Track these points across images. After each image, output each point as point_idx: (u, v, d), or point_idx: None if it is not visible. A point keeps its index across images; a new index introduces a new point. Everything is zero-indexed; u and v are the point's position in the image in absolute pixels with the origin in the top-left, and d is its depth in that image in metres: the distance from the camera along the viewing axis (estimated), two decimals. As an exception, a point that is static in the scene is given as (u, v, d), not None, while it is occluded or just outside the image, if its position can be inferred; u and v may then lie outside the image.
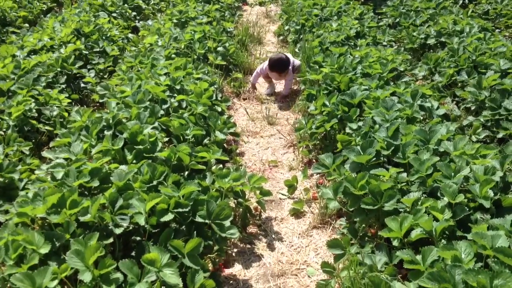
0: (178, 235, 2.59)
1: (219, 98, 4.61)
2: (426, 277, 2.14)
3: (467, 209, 2.57)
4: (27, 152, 3.62)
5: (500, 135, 3.67)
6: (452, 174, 2.81)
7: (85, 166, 2.92)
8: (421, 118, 3.69)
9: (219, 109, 4.36)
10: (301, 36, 6.38)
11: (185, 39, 5.68)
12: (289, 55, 5.51)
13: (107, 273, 2.20)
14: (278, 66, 5.24)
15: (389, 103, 3.71)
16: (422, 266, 2.31)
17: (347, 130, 3.68)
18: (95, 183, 2.78)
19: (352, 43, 5.64)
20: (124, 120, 3.64)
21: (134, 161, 3.15)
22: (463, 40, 5.26)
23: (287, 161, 4.16)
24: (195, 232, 2.64)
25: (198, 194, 2.76)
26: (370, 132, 3.44)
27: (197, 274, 2.37)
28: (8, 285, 2.24)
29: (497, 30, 6.48)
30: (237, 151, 4.26)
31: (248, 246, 3.16)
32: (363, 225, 2.90)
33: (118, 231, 2.47)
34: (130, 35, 6.62)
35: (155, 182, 2.84)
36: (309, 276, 2.90)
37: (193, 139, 3.68)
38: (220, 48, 5.78)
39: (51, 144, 3.50)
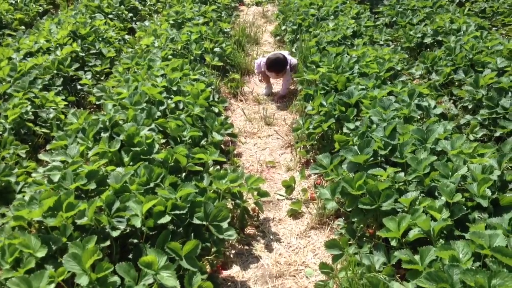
0: (176, 237, 2.58)
1: (216, 99, 4.60)
2: (424, 277, 2.14)
3: (465, 209, 2.57)
4: (24, 155, 3.60)
5: (497, 134, 3.67)
6: (450, 173, 2.80)
7: (82, 169, 2.91)
8: (418, 117, 3.68)
9: (216, 110, 4.36)
10: (298, 36, 6.38)
11: (182, 40, 5.67)
12: (286, 53, 5.51)
13: (104, 276, 2.19)
14: (276, 66, 5.26)
15: (386, 102, 3.71)
16: (420, 266, 2.31)
17: (345, 130, 3.68)
18: (92, 186, 2.77)
19: (349, 43, 5.64)
20: (120, 122, 3.63)
21: (131, 163, 3.14)
22: (460, 38, 5.26)
23: (284, 162, 4.15)
24: (192, 234, 2.63)
25: (195, 195, 2.75)
26: (367, 132, 3.44)
27: (194, 276, 2.36)
28: (5, 289, 2.24)
29: (493, 28, 6.48)
30: (235, 152, 4.25)
31: (246, 247, 3.15)
32: (361, 225, 2.90)
33: (115, 233, 2.46)
34: (126, 37, 6.61)
35: (152, 184, 2.83)
36: (307, 277, 2.89)
37: (190, 140, 3.67)
38: (217, 49, 5.78)
39: (48, 146, 3.49)
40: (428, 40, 5.71)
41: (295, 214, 3.47)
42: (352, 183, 2.92)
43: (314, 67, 4.84)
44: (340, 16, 6.52)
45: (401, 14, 6.76)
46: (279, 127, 4.79)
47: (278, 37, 7.50)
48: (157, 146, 3.29)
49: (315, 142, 4.11)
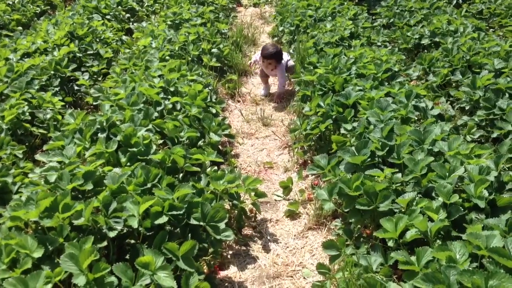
0: (173, 237, 2.58)
1: (214, 100, 4.60)
2: (420, 278, 2.14)
3: (462, 209, 2.57)
4: (21, 156, 3.59)
5: (494, 135, 3.67)
6: (447, 174, 2.81)
7: (79, 169, 2.90)
8: (416, 118, 3.69)
9: (214, 111, 4.35)
10: (295, 37, 6.38)
11: (179, 41, 5.67)
12: (286, 55, 5.52)
13: (101, 276, 2.19)
14: (269, 52, 5.25)
15: (383, 103, 3.71)
16: (417, 267, 2.31)
17: (342, 131, 3.68)
18: (89, 186, 2.76)
19: (347, 44, 5.65)
20: (118, 123, 3.63)
21: (128, 164, 3.13)
22: (457, 40, 5.27)
23: (282, 162, 4.16)
24: (189, 234, 2.63)
25: (192, 196, 2.75)
26: (364, 132, 3.44)
27: (191, 276, 2.36)
28: (1, 289, 2.23)
29: (491, 29, 6.50)
30: (232, 152, 4.25)
31: (243, 248, 3.15)
32: (358, 226, 2.90)
33: (112, 234, 2.46)
34: (124, 37, 6.60)
35: (149, 185, 2.82)
36: (304, 278, 2.89)
37: (187, 141, 3.67)
38: (214, 50, 5.78)
39: (45, 147, 3.49)
40: (425, 42, 5.72)
41: (292, 215, 3.47)
42: (350, 184, 2.92)
43: (312, 68, 4.84)
44: (337, 17, 6.53)
45: (398, 15, 6.77)
46: (276, 128, 4.80)
47: (275, 38, 7.50)
48: (154, 146, 3.29)
49: (313, 143, 4.11)
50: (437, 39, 5.58)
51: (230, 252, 3.11)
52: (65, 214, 2.45)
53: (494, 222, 2.44)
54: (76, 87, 5.02)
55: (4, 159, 3.50)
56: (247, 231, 3.31)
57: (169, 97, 4.21)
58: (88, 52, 5.57)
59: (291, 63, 5.51)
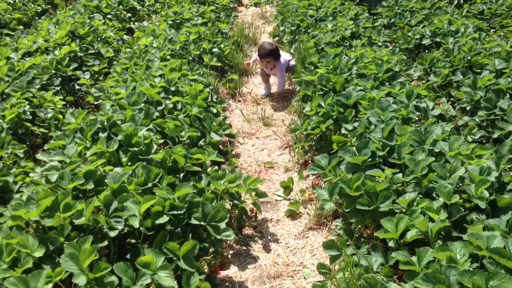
0: (173, 237, 2.58)
1: (215, 100, 4.60)
2: (421, 278, 2.14)
3: (463, 210, 2.57)
4: (22, 155, 3.60)
5: (495, 135, 3.67)
6: (448, 174, 2.80)
7: (80, 169, 2.90)
8: (417, 118, 3.69)
9: (215, 111, 4.36)
10: (296, 37, 6.38)
11: (180, 41, 5.67)
12: (288, 55, 5.52)
13: (101, 276, 2.19)
14: (264, 51, 5.24)
15: (384, 103, 3.71)
16: (418, 267, 2.31)
17: (343, 131, 3.68)
18: (90, 186, 2.76)
19: (348, 44, 5.64)
20: (119, 122, 3.63)
21: (129, 163, 3.14)
22: (458, 40, 5.27)
23: (282, 162, 4.16)
24: (190, 234, 2.63)
25: (193, 196, 2.75)
26: (365, 132, 3.44)
27: (192, 276, 2.36)
28: (2, 289, 2.23)
29: (492, 30, 6.49)
30: (233, 152, 4.25)
31: (244, 248, 3.15)
32: (359, 226, 2.90)
33: (113, 234, 2.46)
34: (125, 37, 6.61)
35: (150, 185, 2.83)
36: (305, 278, 2.89)
37: (188, 140, 3.67)
38: (215, 49, 5.78)
39: (46, 146, 3.49)
40: (426, 42, 5.72)
41: (293, 215, 3.47)
42: (350, 184, 2.92)
43: (313, 68, 4.84)
44: (338, 17, 6.53)
45: (399, 15, 6.77)
46: (277, 128, 4.80)
47: (276, 38, 7.50)
48: (155, 146, 3.29)
49: (313, 143, 4.11)
50: (438, 39, 5.58)
51: (231, 252, 3.11)
52: (66, 213, 2.45)
53: (495, 223, 2.44)
54: (77, 87, 5.02)
55: (5, 158, 3.51)
56: (247, 231, 3.31)
57: (170, 96, 4.21)
58: (89, 52, 5.58)
59: (292, 62, 5.52)
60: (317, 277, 2.85)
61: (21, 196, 2.75)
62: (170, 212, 2.57)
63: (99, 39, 5.96)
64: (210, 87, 4.84)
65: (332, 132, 3.96)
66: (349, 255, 2.72)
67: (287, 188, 3.68)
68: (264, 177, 3.94)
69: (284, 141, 4.49)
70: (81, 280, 2.13)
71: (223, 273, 2.91)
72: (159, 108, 3.98)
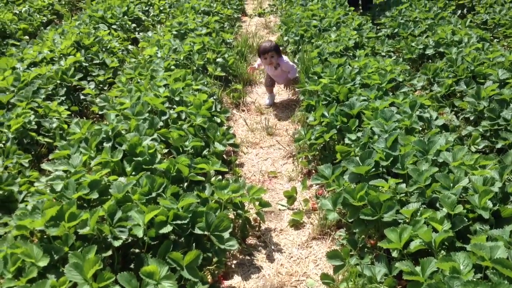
0: (177, 247, 2.59)
1: (219, 109, 4.62)
2: (425, 289, 2.14)
3: (466, 220, 2.57)
4: (27, 165, 3.62)
5: (499, 145, 3.67)
6: (451, 185, 2.81)
7: (84, 178, 2.92)
8: (420, 128, 3.69)
9: (219, 120, 4.37)
10: (300, 47, 6.41)
11: (185, 51, 5.70)
12: (291, 63, 5.55)
13: (105, 286, 2.20)
14: (265, 46, 5.31)
15: (388, 113, 3.72)
16: (421, 277, 2.31)
17: (346, 141, 3.69)
18: (94, 195, 2.78)
19: (351, 54, 5.66)
20: (123, 132, 3.65)
21: (133, 173, 3.15)
22: (461, 50, 5.28)
23: (286, 172, 4.16)
24: (194, 244, 2.64)
25: (197, 205, 2.76)
26: (369, 143, 3.45)
27: (196, 286, 2.37)
28: (7, 298, 2.24)
29: (495, 40, 6.51)
30: (237, 162, 4.26)
31: (248, 257, 3.15)
32: (363, 236, 2.90)
33: (117, 243, 2.47)
34: (130, 47, 6.66)
35: (154, 194, 2.84)
36: (308, 288, 2.89)
37: (192, 150, 3.69)
38: (219, 59, 5.81)
39: (51, 156, 3.51)
40: (430, 52, 5.73)
41: (296, 225, 3.47)
42: (354, 194, 2.92)
43: (316, 78, 4.86)
44: (342, 27, 6.56)
45: (403, 25, 6.79)
46: (281, 138, 4.81)
47: (280, 48, 7.52)
48: (159, 156, 3.31)
49: (317, 152, 4.12)
50: (441, 49, 5.59)
51: (234, 261, 3.11)
52: (71, 223, 2.46)
53: (498, 233, 2.44)
54: (82, 97, 5.05)
55: (10, 168, 3.53)
56: (251, 240, 3.31)
57: (174, 106, 4.23)
58: (94, 62, 5.61)
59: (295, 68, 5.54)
60: (321, 287, 2.84)
61: (26, 205, 2.77)
62: (174, 222, 2.58)
63: (104, 49, 6.01)
64: (214, 97, 4.86)
65: (336, 142, 3.97)
66: (353, 265, 2.72)
67: (290, 197, 3.68)
68: (268, 187, 3.94)
69: (288, 150, 4.49)
70: (85, 289, 2.14)
71: (226, 283, 2.91)
72: (163, 118, 4.00)
